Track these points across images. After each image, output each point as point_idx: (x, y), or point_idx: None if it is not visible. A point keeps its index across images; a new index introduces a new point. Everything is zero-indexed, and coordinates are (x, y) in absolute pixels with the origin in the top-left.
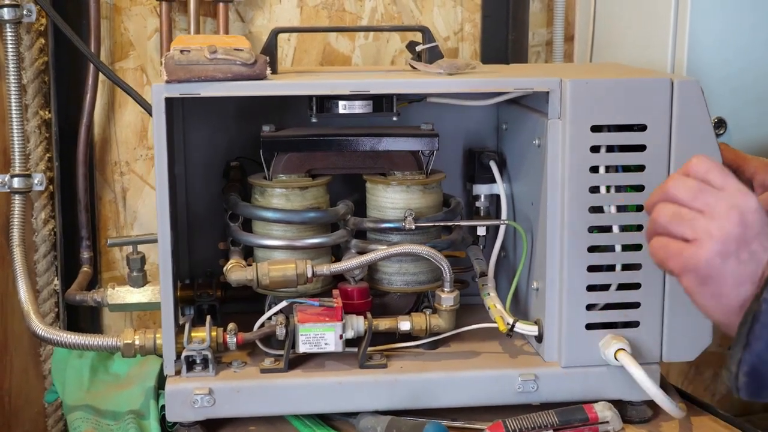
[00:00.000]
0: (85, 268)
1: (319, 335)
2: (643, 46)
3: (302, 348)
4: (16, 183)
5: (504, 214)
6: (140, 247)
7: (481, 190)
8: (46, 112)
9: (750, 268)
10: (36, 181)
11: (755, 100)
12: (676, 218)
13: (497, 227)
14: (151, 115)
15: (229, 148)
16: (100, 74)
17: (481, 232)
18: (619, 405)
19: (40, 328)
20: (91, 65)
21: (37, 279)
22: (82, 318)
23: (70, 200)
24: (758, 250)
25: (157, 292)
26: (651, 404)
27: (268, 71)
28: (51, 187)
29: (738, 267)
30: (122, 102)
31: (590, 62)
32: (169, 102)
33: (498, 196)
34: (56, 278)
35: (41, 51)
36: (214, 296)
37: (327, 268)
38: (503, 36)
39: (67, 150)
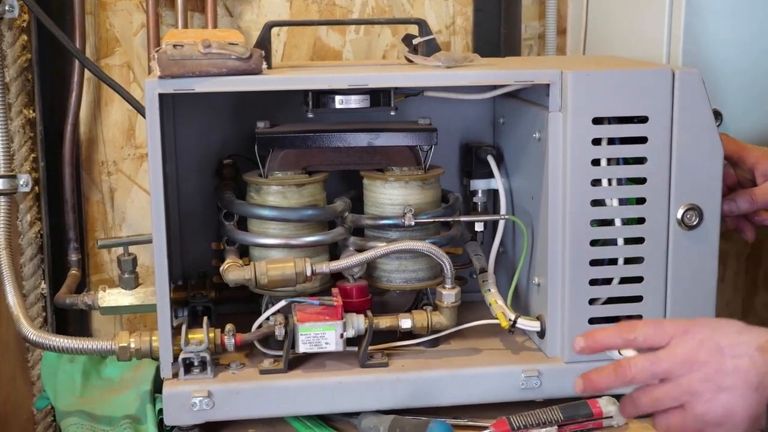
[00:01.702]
0: (74, 271)
1: (320, 335)
2: (637, 39)
3: (302, 348)
4: (1, 184)
5: (503, 209)
6: (130, 249)
7: (479, 185)
8: (31, 111)
9: (742, 380)
10: (21, 182)
11: (750, 91)
12: (655, 402)
13: (495, 223)
14: (139, 112)
15: (222, 146)
16: (86, 72)
17: (479, 227)
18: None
19: (31, 332)
20: (76, 62)
21: (23, 283)
22: (71, 322)
23: (57, 201)
24: (737, 364)
25: (150, 294)
26: None
27: (264, 66)
28: (37, 188)
29: (732, 392)
30: (108, 100)
31: (583, 55)
32: (161, 98)
33: (495, 191)
34: (43, 282)
35: (24, 48)
36: (209, 297)
37: (326, 267)
38: (495, 29)
39: (53, 150)
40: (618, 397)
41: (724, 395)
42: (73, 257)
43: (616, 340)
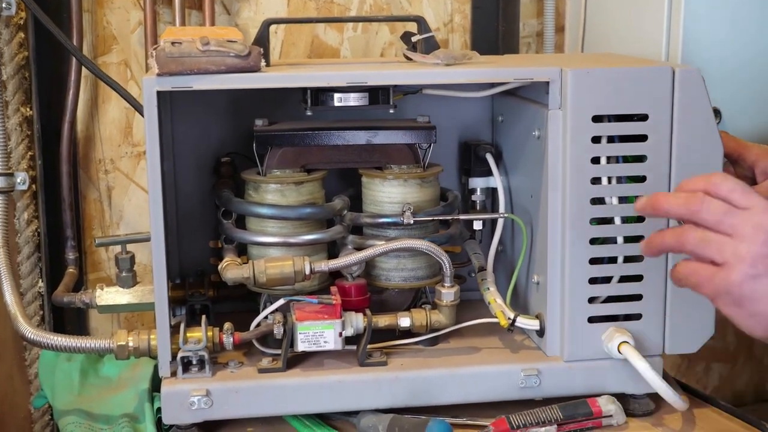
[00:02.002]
0: (71, 269)
1: (318, 333)
2: (635, 37)
3: (301, 347)
4: None
5: (502, 208)
6: (128, 247)
7: (477, 183)
8: (28, 109)
9: None
10: (18, 180)
11: (750, 89)
12: (703, 242)
13: (493, 221)
14: (137, 110)
15: (219, 144)
16: (83, 69)
17: (478, 226)
18: (622, 398)
19: (30, 331)
20: (74, 60)
21: (20, 281)
22: (68, 320)
23: (54, 199)
24: None
25: (148, 292)
26: (654, 397)
27: (263, 63)
28: (34, 186)
29: None
30: (106, 98)
31: (582, 53)
32: (159, 96)
33: (494, 190)
34: (41, 280)
35: (21, 45)
36: (206, 296)
37: (325, 265)
38: (494, 27)
39: (50, 148)
40: (617, 396)
41: (766, 282)
42: (71, 255)
43: (700, 184)
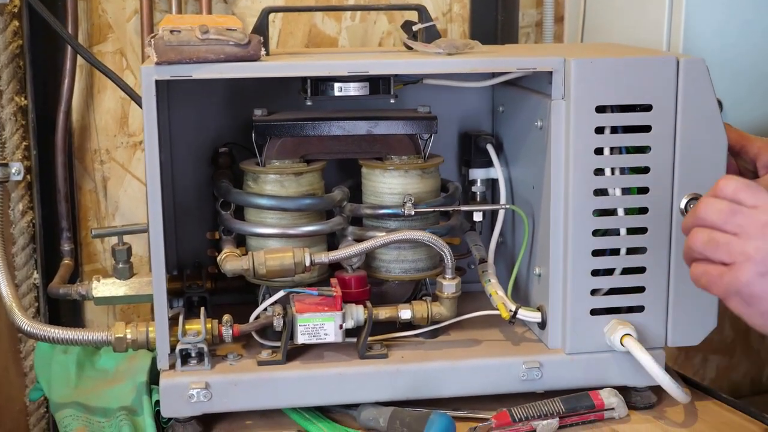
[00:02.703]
0: (67, 261)
1: (318, 325)
2: (636, 27)
3: (301, 339)
4: None
5: (503, 199)
6: (124, 238)
7: (478, 174)
8: (22, 99)
9: None
10: (13, 171)
11: (752, 81)
12: (711, 243)
13: (494, 213)
14: (134, 99)
15: (217, 134)
16: (78, 58)
17: (478, 217)
18: (623, 391)
19: (26, 323)
20: (69, 49)
21: (15, 273)
22: (64, 312)
23: (49, 190)
24: None
25: (144, 284)
26: (655, 390)
27: (263, 52)
28: (29, 176)
29: None
30: (101, 87)
31: (584, 43)
32: (157, 85)
33: (494, 181)
34: (36, 271)
35: (15, 34)
36: (204, 287)
37: (325, 257)
38: (493, 17)
39: (45, 138)
40: (619, 389)
41: None
42: (66, 247)
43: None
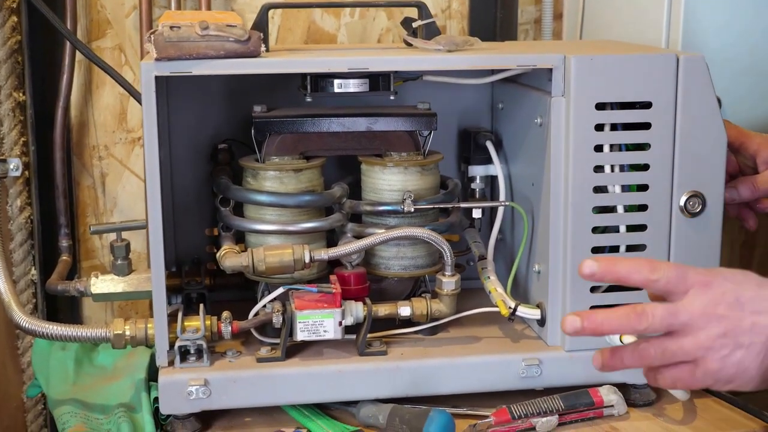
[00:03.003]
0: (65, 257)
1: (318, 322)
2: (635, 24)
3: (300, 336)
4: None
5: (502, 196)
6: (122, 235)
7: (477, 171)
8: (21, 94)
9: (761, 338)
10: (11, 167)
11: (751, 78)
12: (666, 354)
13: (493, 210)
14: (132, 95)
15: (216, 130)
16: (77, 54)
17: (477, 214)
18: (623, 388)
19: (24, 319)
20: (68, 44)
21: (13, 269)
22: (61, 308)
23: (47, 186)
24: (756, 320)
25: (143, 280)
26: (654, 387)
27: (263, 48)
28: (27, 172)
29: (748, 350)
30: (100, 83)
31: (583, 40)
32: (156, 81)
33: (493, 178)
34: (34, 268)
35: (14, 29)
36: (203, 284)
37: (325, 253)
38: (492, 14)
39: (43, 134)
40: (618, 386)
41: (740, 353)
42: (64, 243)
43: (635, 276)
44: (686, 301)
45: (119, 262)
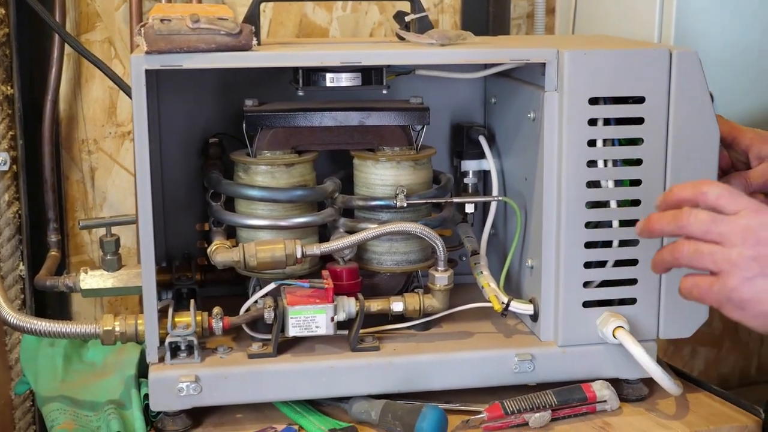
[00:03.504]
0: (53, 252)
1: (310, 318)
2: (627, 19)
3: (292, 332)
4: None
5: (495, 191)
6: (112, 230)
7: (470, 166)
8: (8, 88)
9: None
10: None
11: (742, 72)
12: (696, 255)
13: (486, 204)
14: (122, 89)
15: (207, 124)
16: (66, 47)
17: (470, 209)
18: (615, 383)
19: (12, 315)
20: (56, 37)
21: (1, 264)
22: (50, 304)
23: (36, 181)
24: None
25: (133, 275)
26: (647, 382)
27: (254, 42)
28: (15, 166)
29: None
30: (89, 76)
31: (576, 35)
32: (146, 75)
33: (486, 173)
34: (22, 263)
35: (2, 22)
36: (193, 279)
37: (317, 249)
38: (484, 8)
39: (32, 127)
40: (612, 381)
41: (762, 282)
42: (53, 238)
43: (688, 192)
44: (733, 216)
45: (109, 257)
